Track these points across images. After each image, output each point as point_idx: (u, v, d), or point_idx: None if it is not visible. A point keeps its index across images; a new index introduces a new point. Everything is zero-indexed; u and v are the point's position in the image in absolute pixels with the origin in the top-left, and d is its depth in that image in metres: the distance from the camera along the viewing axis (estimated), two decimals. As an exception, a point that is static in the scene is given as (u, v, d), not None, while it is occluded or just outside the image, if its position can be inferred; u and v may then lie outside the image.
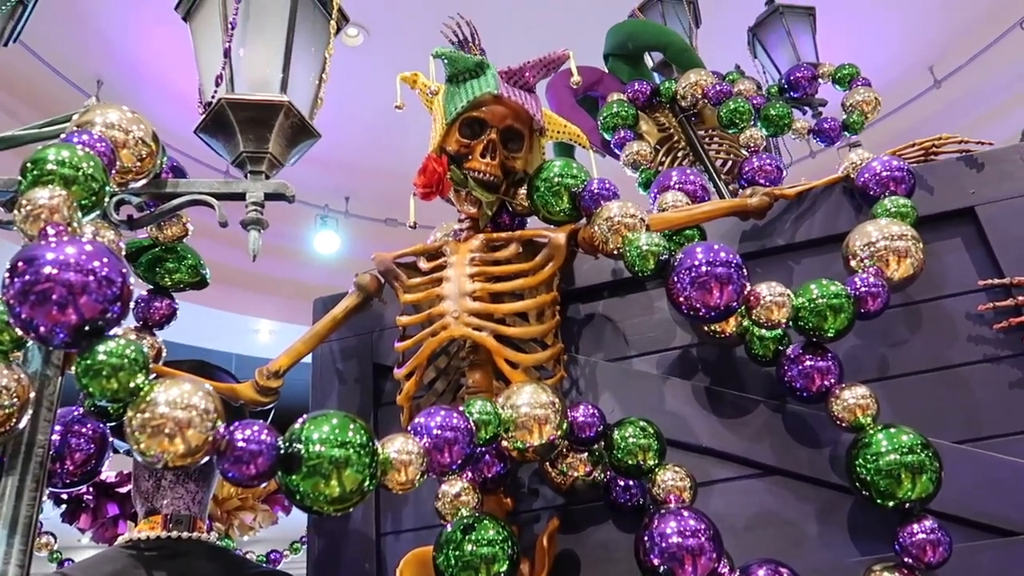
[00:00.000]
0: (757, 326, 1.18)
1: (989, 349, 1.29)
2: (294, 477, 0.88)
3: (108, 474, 4.82)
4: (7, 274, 0.81)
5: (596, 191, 1.30)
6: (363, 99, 4.94)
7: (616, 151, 2.21)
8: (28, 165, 0.91)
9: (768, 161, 1.95)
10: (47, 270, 0.80)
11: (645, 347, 1.46)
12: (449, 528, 1.10)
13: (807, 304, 1.15)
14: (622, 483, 1.28)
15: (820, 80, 2.73)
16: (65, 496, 4.60)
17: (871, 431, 1.09)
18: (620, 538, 1.31)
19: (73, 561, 3.42)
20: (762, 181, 1.90)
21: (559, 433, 1.12)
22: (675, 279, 1.14)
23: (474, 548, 1.05)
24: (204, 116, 1.24)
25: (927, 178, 1.42)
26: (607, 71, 2.54)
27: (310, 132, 1.29)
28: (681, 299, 1.14)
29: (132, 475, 1.75)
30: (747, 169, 1.94)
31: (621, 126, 2.23)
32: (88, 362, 0.80)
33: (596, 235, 1.27)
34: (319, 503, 0.89)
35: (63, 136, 1.02)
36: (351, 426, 0.91)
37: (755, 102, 2.24)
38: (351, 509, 0.91)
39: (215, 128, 1.25)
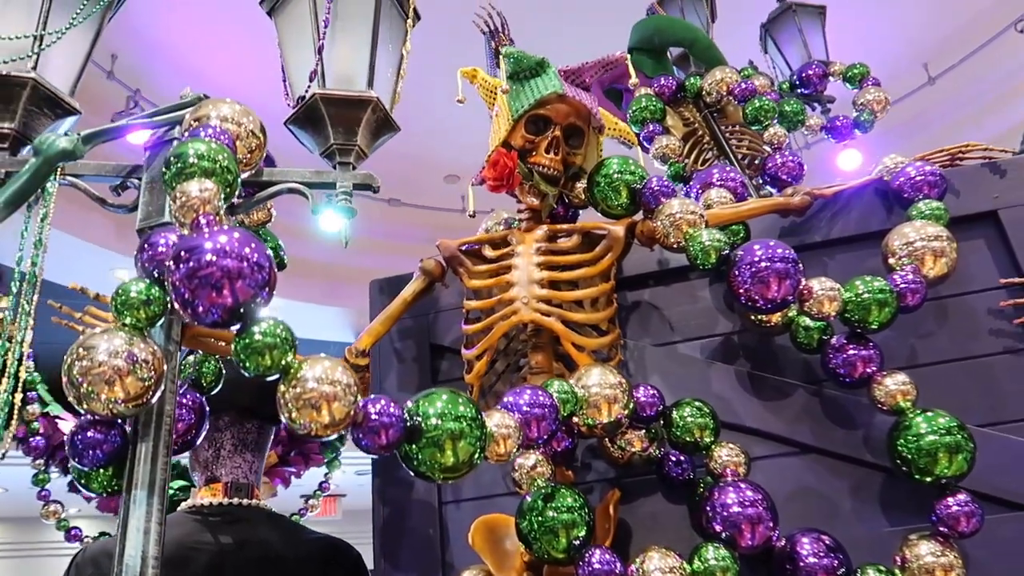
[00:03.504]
0: (808, 317, 1.29)
1: (1009, 342, 1.42)
2: (414, 447, 0.97)
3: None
4: (172, 262, 0.89)
5: (656, 188, 1.40)
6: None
7: (646, 144, 2.30)
8: (172, 159, 0.98)
9: (791, 158, 2.06)
10: (208, 257, 0.88)
11: (689, 333, 1.57)
12: (529, 498, 1.20)
13: (854, 298, 1.26)
14: (674, 459, 1.39)
15: (831, 78, 2.86)
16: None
17: (911, 414, 1.21)
18: (669, 509, 1.42)
19: (81, 530, 3.49)
20: (784, 177, 2.01)
21: (626, 412, 1.23)
22: (736, 273, 1.25)
23: (555, 514, 1.15)
24: (296, 110, 1.31)
25: (954, 182, 1.54)
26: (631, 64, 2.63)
27: (392, 126, 1.37)
28: (741, 291, 1.25)
29: (189, 445, 1.83)
30: (770, 165, 2.05)
31: (650, 120, 2.32)
32: (246, 341, 0.89)
33: (658, 229, 1.37)
34: (433, 471, 0.99)
35: (189, 130, 1.10)
36: (460, 401, 1.01)
37: (769, 98, 2.35)
38: (460, 478, 1.02)
39: (305, 120, 1.33)
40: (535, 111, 1.46)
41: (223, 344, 1.17)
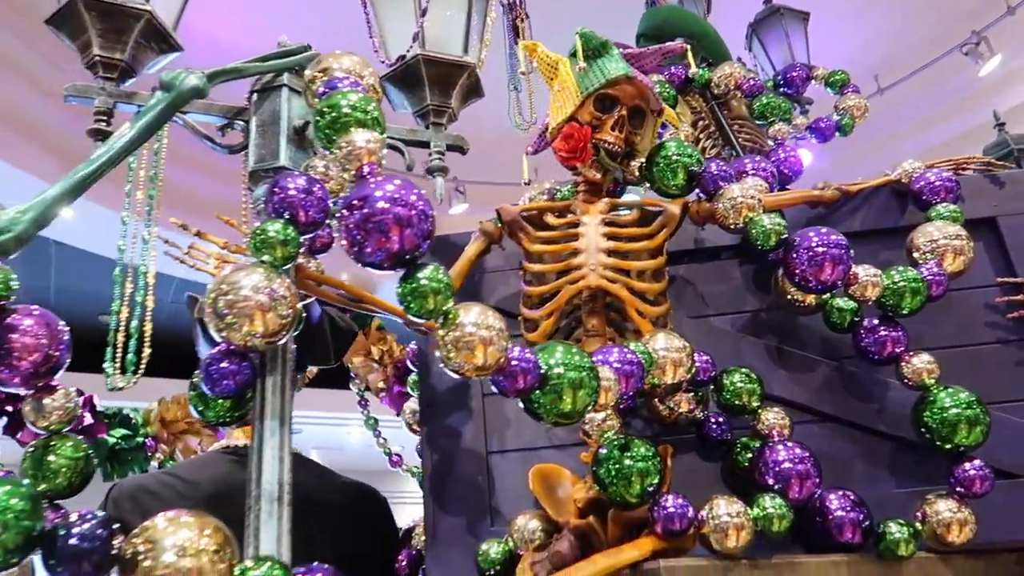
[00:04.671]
0: (851, 300, 1.44)
1: (1002, 333, 1.61)
2: (538, 393, 1.06)
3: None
4: (345, 209, 0.95)
5: (716, 173, 1.52)
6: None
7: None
8: (325, 109, 1.03)
9: (792, 152, 2.22)
10: (380, 205, 0.94)
11: (721, 308, 1.70)
12: (604, 449, 1.30)
13: (892, 285, 1.42)
14: (714, 421, 1.52)
15: (813, 81, 3.05)
16: (9, 409, 4.48)
17: (935, 390, 1.38)
18: (705, 467, 1.56)
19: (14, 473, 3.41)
20: (786, 172, 2.17)
21: (688, 375, 1.36)
22: (795, 255, 1.38)
23: (631, 463, 1.27)
24: (395, 68, 1.36)
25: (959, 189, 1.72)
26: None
27: (479, 92, 1.43)
28: (796, 272, 1.38)
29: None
30: (773, 159, 2.20)
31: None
32: (413, 285, 0.96)
33: (718, 211, 1.49)
34: (551, 415, 1.09)
35: (321, 82, 1.14)
36: (575, 352, 1.10)
37: (775, 95, 2.51)
38: (570, 424, 1.11)
39: (402, 80, 1.38)
40: (605, 90, 1.55)
41: (330, 291, 1.22)
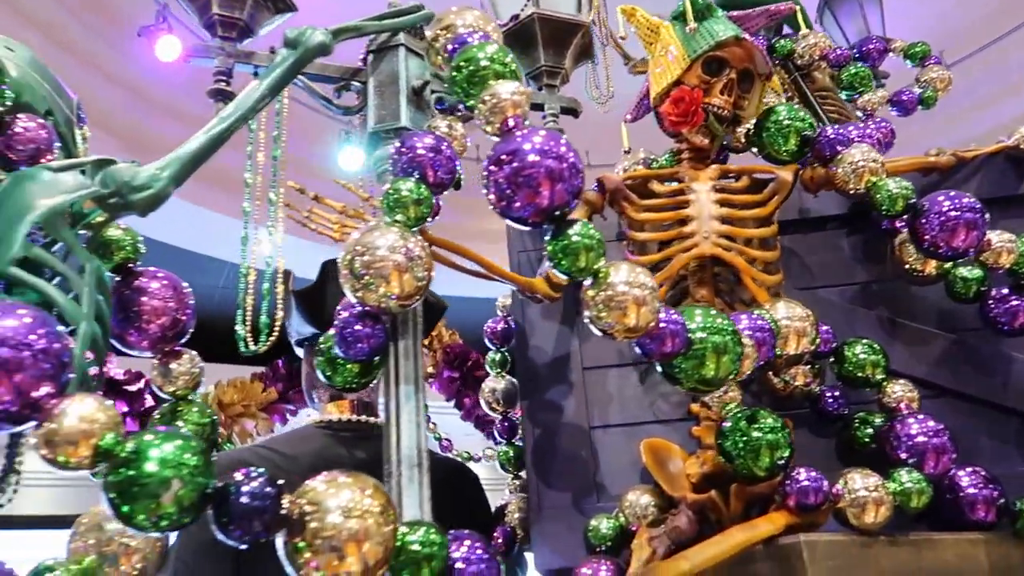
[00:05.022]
0: (979, 267, 1.38)
1: None
2: (680, 358, 1.02)
3: (116, 371, 4.77)
4: (493, 164, 0.91)
5: (833, 137, 1.46)
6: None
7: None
8: (462, 63, 0.99)
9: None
10: (531, 158, 0.90)
11: (828, 280, 1.64)
12: (728, 422, 1.26)
13: (1027, 252, 1.35)
14: (830, 394, 1.47)
15: (891, 53, 2.94)
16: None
17: (1073, 361, 1.31)
18: (814, 441, 1.50)
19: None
20: (839, 148, 2.09)
21: (812, 347, 1.30)
22: (924, 221, 1.32)
23: (760, 435, 1.22)
24: (508, 27, 1.32)
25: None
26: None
27: (590, 54, 1.39)
28: (926, 238, 1.32)
29: (306, 358, 1.84)
30: (823, 137, 2.12)
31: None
32: (564, 242, 0.92)
33: (838, 175, 1.43)
34: (691, 381, 1.04)
35: (449, 38, 1.10)
36: (716, 315, 1.05)
37: (865, 65, 2.42)
38: (709, 392, 1.07)
39: (515, 40, 1.33)
40: (713, 53, 1.50)
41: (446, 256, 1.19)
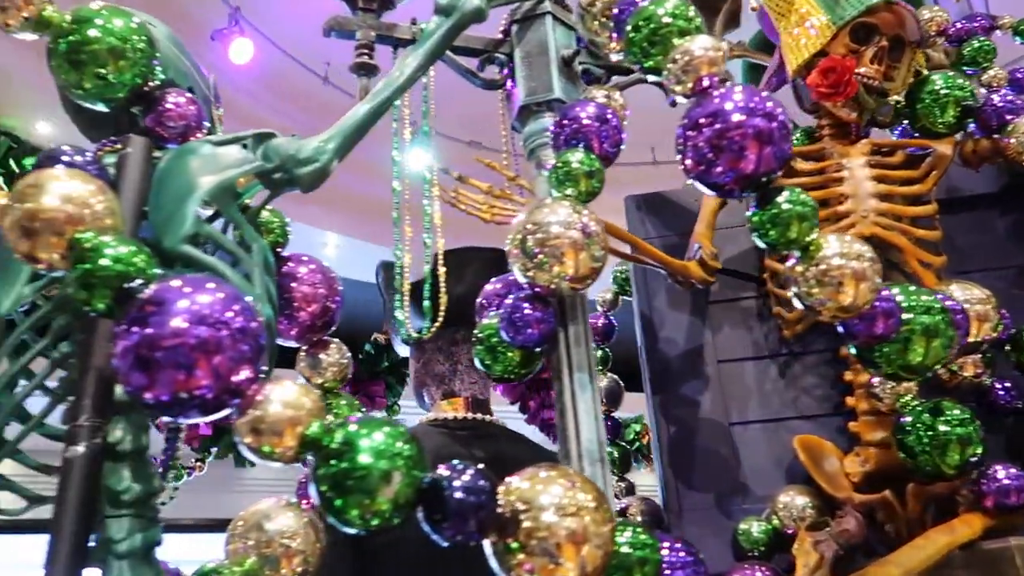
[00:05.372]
0: None
1: None
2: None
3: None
4: (690, 129, 0.82)
5: (1000, 105, 1.34)
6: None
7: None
8: (640, 23, 0.91)
9: (1011, 100, 1.99)
10: (736, 117, 0.81)
11: (982, 264, 1.51)
12: (908, 417, 1.15)
13: None
14: (1002, 386, 1.34)
15: (998, 31, 2.78)
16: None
17: None
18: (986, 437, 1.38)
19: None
20: (1008, 117, 1.95)
21: (994, 333, 1.19)
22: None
23: (947, 428, 1.11)
24: None
25: None
26: None
27: (738, 22, 1.29)
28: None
29: (415, 355, 1.77)
30: (989, 107, 1.98)
31: (855, 56, 2.24)
32: (773, 211, 0.82)
33: (1010, 146, 1.31)
34: (892, 367, 0.95)
35: (616, 3, 1.02)
36: (915, 289, 0.95)
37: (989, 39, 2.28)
38: (916, 380, 0.96)
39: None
40: (863, 19, 1.39)
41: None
